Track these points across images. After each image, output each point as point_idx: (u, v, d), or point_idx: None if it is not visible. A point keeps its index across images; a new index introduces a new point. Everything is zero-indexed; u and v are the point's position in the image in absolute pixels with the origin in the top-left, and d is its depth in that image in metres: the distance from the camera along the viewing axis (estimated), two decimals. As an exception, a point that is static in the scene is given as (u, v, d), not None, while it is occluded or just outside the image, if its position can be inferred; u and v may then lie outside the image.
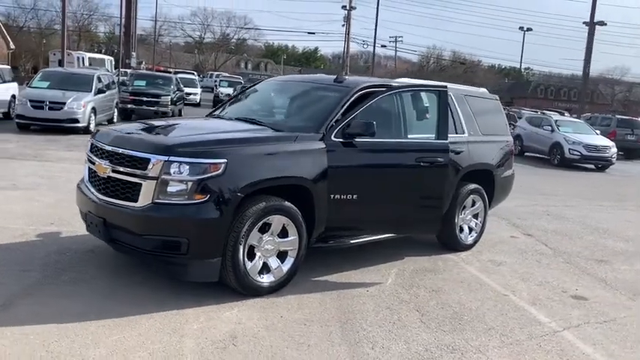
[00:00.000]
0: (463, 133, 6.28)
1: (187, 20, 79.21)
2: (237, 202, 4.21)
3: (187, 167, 4.10)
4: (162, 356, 3.41)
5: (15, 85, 17.31)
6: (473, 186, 6.42)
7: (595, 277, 5.95)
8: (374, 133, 4.84)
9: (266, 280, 4.54)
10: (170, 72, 34.85)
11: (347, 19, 55.30)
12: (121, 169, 4.33)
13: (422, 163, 5.23)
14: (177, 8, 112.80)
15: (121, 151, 4.37)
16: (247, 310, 4.22)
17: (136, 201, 4.21)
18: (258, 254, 4.49)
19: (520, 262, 6.28)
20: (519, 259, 6.40)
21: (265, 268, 4.56)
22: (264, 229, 4.50)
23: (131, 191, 4.25)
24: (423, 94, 5.60)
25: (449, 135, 5.92)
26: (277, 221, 4.53)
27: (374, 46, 49.15)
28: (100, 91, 15.78)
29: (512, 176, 7.25)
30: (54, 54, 40.35)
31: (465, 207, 6.43)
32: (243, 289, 4.39)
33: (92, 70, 18.24)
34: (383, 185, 5.13)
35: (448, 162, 5.36)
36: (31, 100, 14.12)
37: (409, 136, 5.42)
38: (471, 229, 6.63)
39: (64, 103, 14.17)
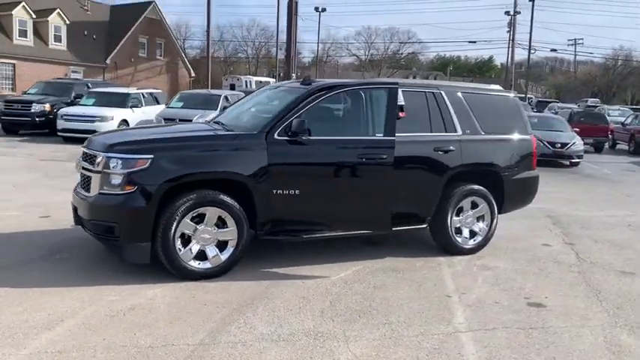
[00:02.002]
0: (454, 131, 6.06)
1: (352, 40, 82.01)
2: (162, 192, 4.75)
3: (120, 162, 4.77)
4: (59, 317, 4.05)
5: (163, 107, 19.92)
6: (472, 187, 6.14)
7: (593, 288, 5.30)
8: (305, 132, 5.04)
9: (202, 266, 4.99)
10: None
11: (511, 25, 52.75)
12: (85, 165, 5.15)
13: (364, 160, 5.25)
14: (343, 29, 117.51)
15: (86, 150, 5.20)
16: (170, 289, 4.71)
17: (89, 192, 4.99)
18: (193, 242, 4.96)
19: (517, 269, 5.82)
20: (521, 266, 5.94)
21: (203, 255, 5.01)
22: (201, 219, 4.96)
23: (88, 184, 5.04)
24: (373, 92, 5.59)
25: (436, 134, 5.87)
26: (212, 212, 4.96)
27: (529, 51, 45.99)
28: (225, 109, 17.46)
29: (531, 179, 6.69)
30: (226, 79, 44.89)
31: (461, 209, 6.16)
32: (176, 272, 4.90)
33: (221, 92, 20.16)
34: (325, 182, 5.27)
35: (393, 159, 5.26)
36: (165, 118, 16.21)
37: (358, 133, 5.46)
38: (474, 233, 6.31)
39: (191, 120, 16.00)
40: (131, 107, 17.59)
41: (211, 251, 5.03)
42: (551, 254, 6.46)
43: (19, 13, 34.80)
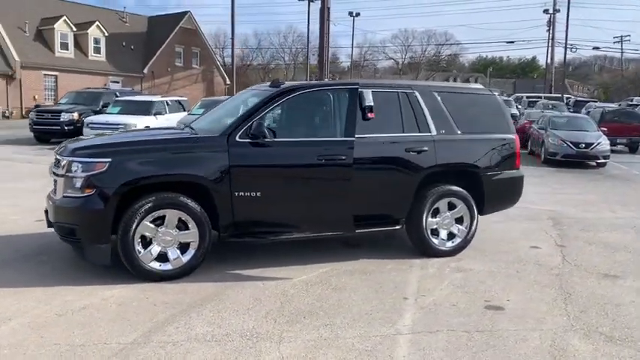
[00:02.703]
0: (428, 131, 5.96)
1: (389, 43, 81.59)
2: (120, 195, 4.85)
3: (81, 165, 4.91)
4: (8, 316, 4.19)
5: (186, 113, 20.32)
6: (448, 188, 6.03)
7: (564, 291, 5.11)
8: (264, 134, 5.07)
9: (163, 267, 5.07)
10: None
11: (551, 24, 51.44)
12: (54, 169, 5.32)
13: (323, 161, 5.22)
14: (380, 33, 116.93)
15: (56, 155, 5.38)
16: (129, 290, 4.80)
17: (56, 195, 5.15)
18: (154, 244, 5.04)
19: (493, 271, 5.66)
20: (498, 268, 5.77)
21: (166, 257, 5.09)
22: (163, 221, 5.04)
23: (56, 187, 5.21)
24: (335, 94, 5.56)
25: (408, 134, 5.80)
26: (172, 215, 5.04)
27: (564, 50, 44.64)
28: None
29: (514, 179, 6.49)
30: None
31: (438, 210, 6.05)
32: (137, 273, 4.99)
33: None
34: (287, 183, 5.27)
35: (353, 160, 5.21)
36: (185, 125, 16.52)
37: (319, 135, 5.45)
38: (453, 235, 6.18)
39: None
40: (155, 114, 18.00)
41: (173, 253, 5.10)
42: (535, 257, 6.26)
43: (60, 27, 36.26)
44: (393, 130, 5.84)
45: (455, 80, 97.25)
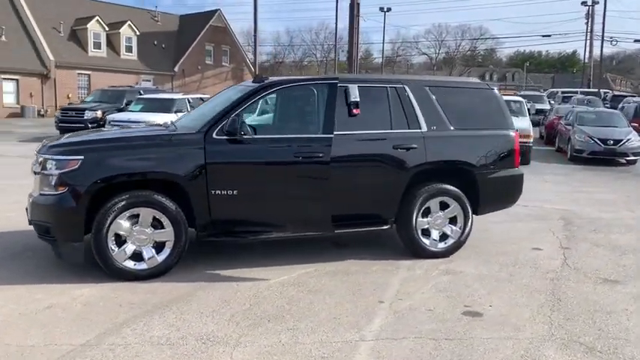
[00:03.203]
0: (418, 127, 5.72)
1: (422, 38, 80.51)
2: (92, 193, 4.79)
3: (54, 163, 4.86)
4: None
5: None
6: (440, 186, 5.78)
7: (555, 297, 4.81)
8: (238, 130, 4.93)
9: (137, 267, 4.98)
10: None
11: (589, 16, 49.80)
12: (34, 167, 5.30)
13: (300, 159, 5.04)
14: (413, 28, 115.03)
15: (34, 152, 5.36)
16: (100, 289, 4.73)
17: (34, 193, 5.13)
18: (129, 242, 4.97)
19: (484, 274, 5.40)
20: (491, 271, 5.50)
21: (140, 256, 5.01)
22: (136, 219, 4.96)
23: (34, 185, 5.19)
24: (314, 89, 5.37)
25: (396, 130, 5.59)
26: (146, 213, 4.95)
27: (601, 42, 43.07)
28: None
29: (513, 177, 6.18)
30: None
31: (429, 209, 5.81)
32: (110, 272, 4.92)
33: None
34: (264, 182, 5.11)
35: (330, 157, 5.02)
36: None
37: (297, 131, 5.27)
38: (445, 236, 5.93)
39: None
40: (176, 112, 18.12)
41: (148, 252, 5.01)
42: (534, 259, 5.94)
43: (93, 27, 37.01)
44: (379, 127, 5.63)
45: (491, 76, 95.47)
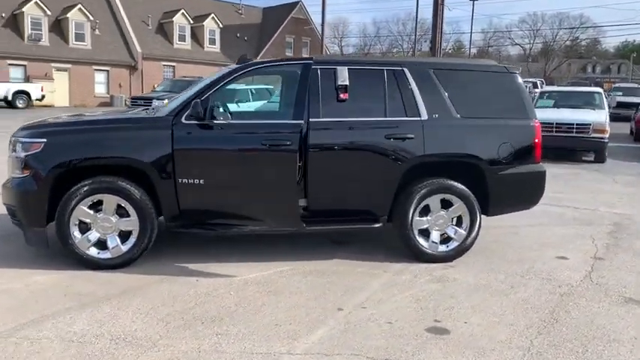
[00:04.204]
0: (417, 115, 5.10)
1: (515, 28, 76.42)
2: (54, 177, 4.63)
3: (21, 145, 4.76)
4: None
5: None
6: (441, 182, 5.14)
7: (553, 317, 4.06)
8: (203, 114, 4.59)
9: (101, 255, 4.79)
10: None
11: None
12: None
13: (267, 147, 4.60)
14: (506, 18, 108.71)
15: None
16: (59, 276, 4.56)
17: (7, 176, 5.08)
18: (93, 230, 4.78)
19: (481, 285, 4.71)
20: (491, 281, 4.80)
21: (104, 245, 4.81)
22: (100, 206, 4.77)
23: (8, 167, 5.13)
24: (288, 71, 4.90)
25: (390, 118, 5.05)
26: (110, 200, 4.74)
27: None
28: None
29: (532, 174, 5.38)
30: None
31: (428, 207, 5.18)
32: (73, 259, 4.76)
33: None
34: (231, 171, 4.73)
35: (298, 146, 4.53)
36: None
37: (269, 117, 4.84)
38: (448, 238, 5.27)
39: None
40: (237, 102, 18.20)
41: (112, 241, 4.80)
42: (552, 270, 5.14)
43: (179, 20, 38.32)
44: (371, 114, 5.08)
45: (594, 68, 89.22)
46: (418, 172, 5.12)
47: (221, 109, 4.79)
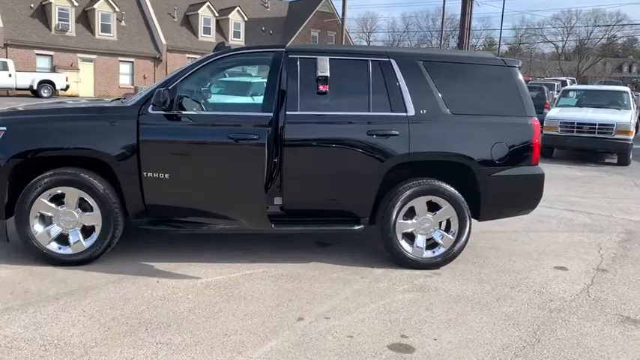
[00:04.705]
0: (403, 110, 4.72)
1: (548, 25, 74.46)
2: (13, 167, 4.41)
3: (-18, 134, 4.54)
4: None
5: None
6: (427, 183, 4.76)
7: (532, 336, 3.66)
8: (161, 104, 4.29)
9: (62, 251, 4.56)
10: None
11: None
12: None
13: (234, 141, 4.28)
14: (539, 15, 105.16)
15: None
16: (11, 272, 4.33)
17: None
18: (54, 224, 4.55)
19: (463, 295, 4.33)
20: (476, 292, 4.41)
21: (66, 240, 4.58)
22: (62, 199, 4.53)
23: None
24: (259, 61, 4.58)
25: (373, 113, 4.70)
26: (72, 193, 4.49)
27: None
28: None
29: (528, 177, 4.94)
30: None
31: (413, 209, 4.81)
32: (33, 254, 4.54)
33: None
34: (197, 166, 4.42)
35: (266, 140, 4.20)
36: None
37: (238, 109, 4.52)
38: (435, 243, 4.89)
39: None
40: (251, 95, 17.97)
41: (73, 236, 4.56)
42: (546, 282, 4.72)
43: (204, 12, 38.33)
44: (353, 108, 4.73)
45: (630, 67, 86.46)
46: (403, 171, 4.76)
47: (192, 100, 4.50)
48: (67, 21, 33.84)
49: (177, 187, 4.45)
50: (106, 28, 35.05)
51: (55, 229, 4.54)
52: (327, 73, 4.57)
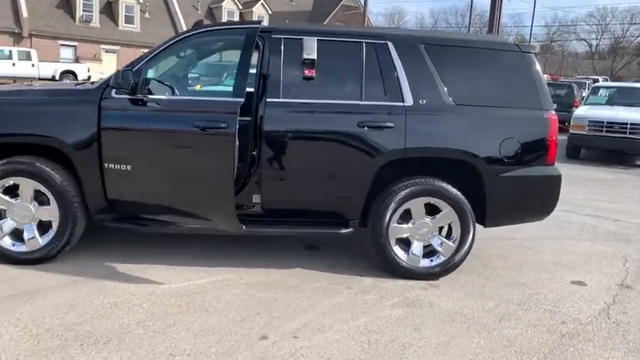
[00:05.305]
0: (400, 99, 4.16)
1: (582, 22, 72.24)
2: (-36, 155, 3.99)
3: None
4: None
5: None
6: (426, 182, 4.19)
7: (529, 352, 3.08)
8: (122, 86, 3.81)
9: (17, 248, 4.13)
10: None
11: None
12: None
13: (201, 129, 3.77)
14: (572, 12, 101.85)
15: None
16: (-41, 272, 3.94)
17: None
18: (8, 218, 4.12)
19: (460, 313, 3.76)
20: (474, 310, 3.83)
21: (19, 236, 4.15)
22: (17, 191, 4.10)
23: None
24: (231, 40, 4.07)
25: (366, 102, 4.15)
26: (26, 185, 4.06)
27: None
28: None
29: (545, 178, 4.33)
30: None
31: (409, 212, 4.25)
32: (-17, 251, 4.12)
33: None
34: (159, 156, 3.93)
35: (235, 129, 3.67)
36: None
37: (207, 93, 4.00)
38: (433, 251, 4.32)
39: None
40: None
41: (29, 232, 4.13)
42: (561, 299, 4.11)
43: (228, 5, 38.04)
44: (343, 96, 4.19)
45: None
46: (398, 169, 4.20)
47: (166, 85, 4.02)
48: (91, 12, 33.87)
49: (141, 181, 3.97)
50: (129, 20, 35.00)
51: (9, 224, 4.11)
52: (314, 56, 4.06)
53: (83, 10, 33.54)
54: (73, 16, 33.38)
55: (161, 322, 3.33)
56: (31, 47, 30.14)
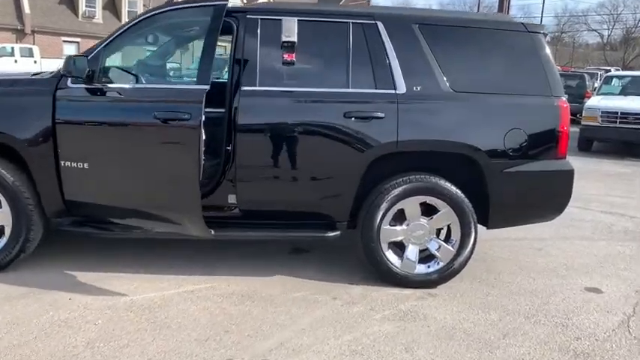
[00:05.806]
0: (391, 86, 3.70)
1: (592, 12, 71.00)
2: None
3: None
4: None
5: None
6: (421, 179, 3.73)
7: (552, 396, 2.62)
8: (74, 73, 3.38)
9: (-37, 254, 3.72)
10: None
11: None
12: None
13: (162, 121, 3.33)
14: (583, 2, 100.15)
15: None
16: None
17: None
18: (-44, 223, 3.72)
19: (459, 328, 3.31)
20: (475, 325, 3.38)
21: (-28, 242, 3.74)
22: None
23: None
24: (195, 19, 3.60)
25: (354, 90, 3.71)
26: (-25, 186, 3.64)
27: None
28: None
29: (556, 174, 3.85)
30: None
31: (403, 213, 3.79)
32: None
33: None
34: (118, 152, 3.50)
35: (200, 120, 3.23)
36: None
37: (169, 81, 3.55)
38: (430, 256, 3.86)
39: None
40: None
41: (-22, 238, 3.72)
42: (574, 309, 3.64)
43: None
44: (327, 83, 3.74)
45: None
46: (390, 164, 3.74)
47: (129, 73, 3.60)
48: (94, 8, 33.58)
49: (100, 180, 3.55)
50: (132, 15, 34.63)
51: (-46, 229, 3.70)
52: (295, 38, 3.60)
53: (86, 6, 33.27)
54: (75, 12, 33.09)
55: (114, 343, 2.90)
56: (33, 44, 29.90)
